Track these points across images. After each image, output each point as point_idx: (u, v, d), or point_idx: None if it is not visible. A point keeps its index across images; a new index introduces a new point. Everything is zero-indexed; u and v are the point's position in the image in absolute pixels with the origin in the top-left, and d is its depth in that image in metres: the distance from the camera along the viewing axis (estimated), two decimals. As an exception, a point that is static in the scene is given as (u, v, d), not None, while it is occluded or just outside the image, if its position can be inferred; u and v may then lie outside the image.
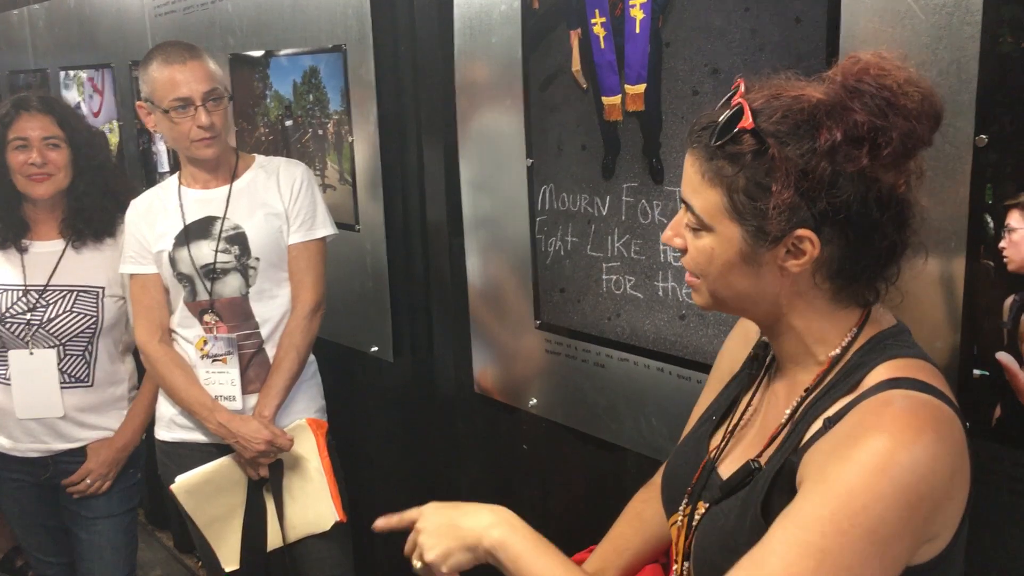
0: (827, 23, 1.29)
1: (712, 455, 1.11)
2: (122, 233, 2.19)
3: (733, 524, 1.00)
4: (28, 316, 2.17)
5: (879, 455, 0.85)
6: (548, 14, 1.75)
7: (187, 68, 1.95)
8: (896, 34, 1.21)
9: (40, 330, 2.17)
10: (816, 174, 0.91)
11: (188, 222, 2.04)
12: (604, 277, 1.74)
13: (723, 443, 1.11)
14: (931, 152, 1.18)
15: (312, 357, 2.16)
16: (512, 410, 2.07)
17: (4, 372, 2.20)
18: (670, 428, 1.67)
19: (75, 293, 2.20)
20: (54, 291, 2.19)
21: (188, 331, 2.06)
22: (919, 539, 0.88)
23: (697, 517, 1.07)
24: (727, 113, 0.95)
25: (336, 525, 2.07)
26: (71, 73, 3.64)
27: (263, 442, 1.97)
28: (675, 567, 1.13)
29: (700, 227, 0.99)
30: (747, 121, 0.93)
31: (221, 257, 2.01)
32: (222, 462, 2.05)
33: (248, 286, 2.03)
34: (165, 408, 2.14)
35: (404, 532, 2.56)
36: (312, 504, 2.07)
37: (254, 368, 2.06)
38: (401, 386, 2.42)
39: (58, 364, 2.19)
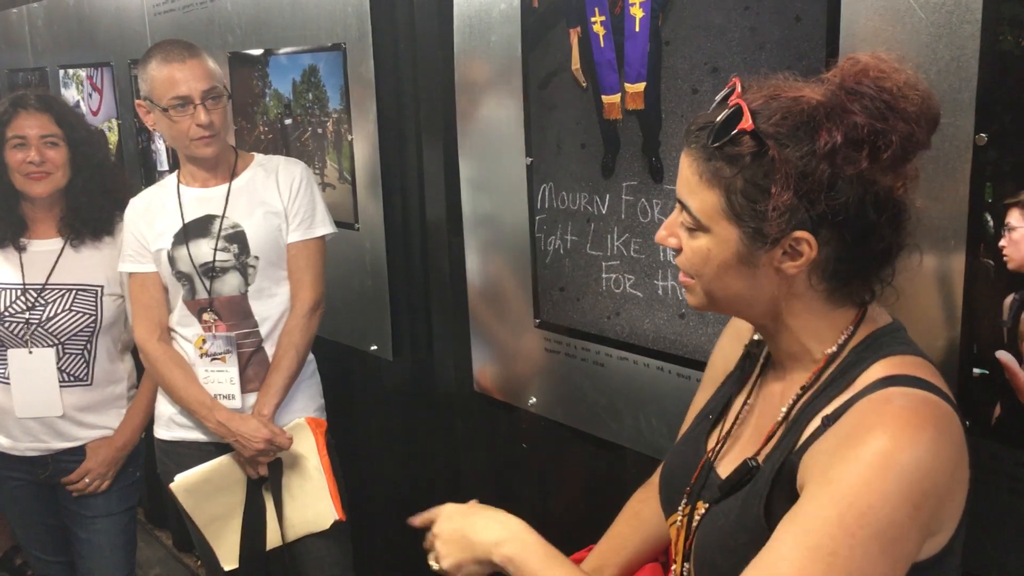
0: (827, 22, 1.29)
1: (710, 455, 1.11)
2: (120, 232, 2.18)
3: (733, 524, 1.00)
4: (27, 315, 2.17)
5: (881, 454, 0.85)
6: (548, 12, 1.75)
7: (186, 67, 1.94)
8: (896, 32, 1.21)
9: (39, 329, 2.17)
10: (815, 176, 0.90)
11: (187, 220, 2.03)
12: (604, 276, 1.74)
13: (720, 442, 1.11)
14: (931, 151, 1.18)
15: (311, 356, 2.16)
16: (511, 409, 2.07)
17: (3, 371, 2.20)
18: (670, 427, 1.67)
19: (74, 292, 2.19)
20: (53, 290, 2.19)
21: (187, 330, 2.06)
22: (924, 536, 0.89)
23: (697, 517, 1.07)
24: (725, 113, 0.94)
25: (335, 524, 2.07)
26: (70, 71, 3.64)
27: (262, 441, 1.96)
28: (674, 567, 1.13)
29: (696, 228, 0.99)
30: (747, 122, 0.92)
31: (220, 256, 2.01)
32: (221, 461, 2.05)
33: (247, 285, 2.03)
34: (164, 407, 2.14)
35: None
36: (311, 503, 2.07)
37: (253, 367, 2.06)
38: (400, 385, 2.42)
39: (57, 363, 2.19)
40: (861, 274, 0.98)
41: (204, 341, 2.04)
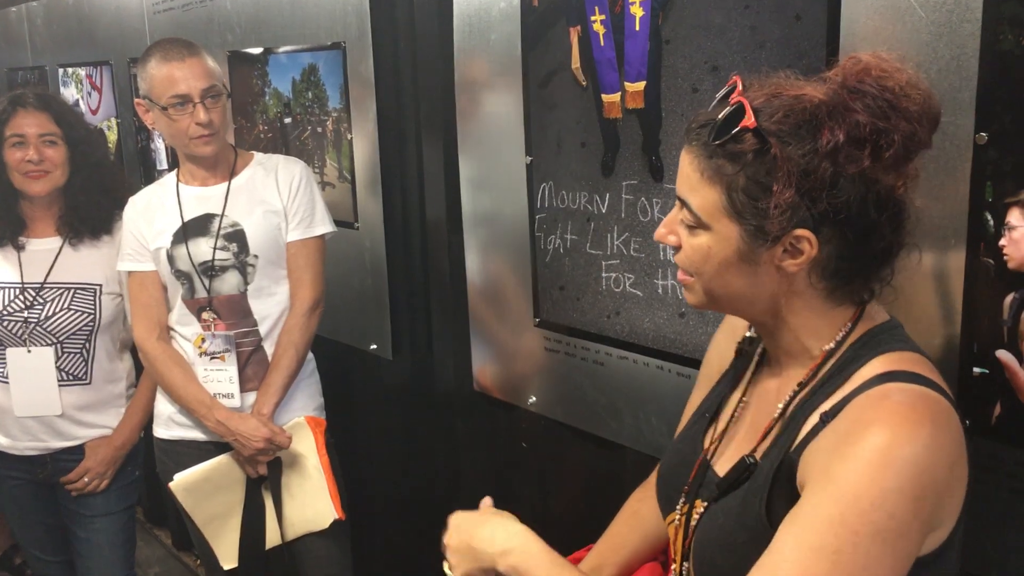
0: (827, 20, 1.29)
1: (707, 453, 1.11)
2: (119, 230, 2.18)
3: (734, 523, 1.00)
4: (25, 314, 2.17)
5: (880, 450, 0.86)
6: (548, 11, 1.74)
7: (185, 65, 1.94)
8: (896, 31, 1.21)
9: (37, 328, 2.17)
10: (817, 174, 0.90)
11: (186, 219, 2.03)
12: (603, 275, 1.74)
13: (716, 440, 1.11)
14: (931, 150, 1.18)
15: (311, 355, 2.16)
16: (511, 408, 2.07)
17: (2, 370, 2.20)
18: (669, 426, 1.66)
19: (72, 291, 2.19)
20: (51, 289, 2.18)
21: (186, 328, 2.06)
22: (926, 531, 0.89)
23: (695, 516, 1.07)
24: (727, 111, 0.94)
25: (335, 523, 2.07)
26: (69, 70, 3.64)
27: (261, 440, 1.96)
28: (674, 566, 1.13)
29: (697, 225, 0.99)
30: (749, 120, 0.92)
31: (219, 254, 2.01)
32: (221, 460, 2.05)
33: (246, 283, 2.03)
34: (163, 406, 2.13)
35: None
36: (311, 502, 2.07)
37: (252, 366, 2.05)
38: (400, 384, 2.42)
39: (56, 362, 2.18)
40: (861, 273, 0.98)
41: (203, 340, 2.04)
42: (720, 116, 0.95)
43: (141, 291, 2.08)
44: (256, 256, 2.02)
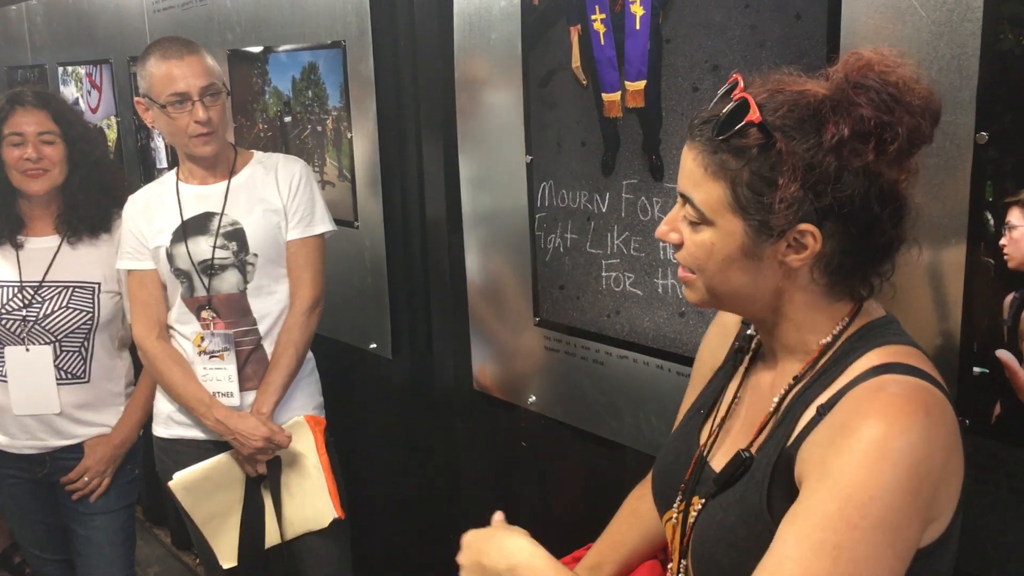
0: (827, 20, 1.29)
1: (703, 448, 1.12)
2: (118, 229, 2.18)
3: (734, 519, 1.00)
4: (24, 312, 2.16)
5: (876, 442, 0.86)
6: (548, 10, 1.74)
7: (184, 63, 1.94)
8: (897, 30, 1.21)
9: (36, 326, 2.17)
10: (822, 169, 0.91)
11: (186, 218, 2.03)
12: (603, 274, 1.74)
13: (712, 436, 1.12)
14: (932, 149, 1.18)
15: (310, 354, 2.15)
16: (511, 407, 2.07)
17: (0, 369, 2.20)
18: (669, 425, 1.66)
19: (71, 289, 2.19)
20: (50, 287, 2.18)
21: (185, 327, 2.06)
22: (924, 522, 0.89)
23: (693, 513, 1.07)
24: (731, 106, 0.94)
25: (334, 522, 2.06)
26: (69, 69, 3.63)
27: (261, 439, 1.96)
28: (671, 565, 1.13)
29: (700, 221, 0.99)
30: (754, 114, 0.92)
31: (219, 253, 2.01)
32: (220, 459, 2.05)
33: (246, 282, 2.03)
34: (163, 405, 2.13)
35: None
36: (310, 501, 2.07)
37: (252, 365, 2.05)
38: (400, 383, 2.42)
39: (54, 360, 2.18)
40: (862, 268, 0.98)
41: (202, 339, 2.03)
42: (724, 111, 0.95)
43: (140, 289, 2.08)
44: (256, 255, 2.02)
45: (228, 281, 2.02)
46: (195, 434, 2.08)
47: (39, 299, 2.17)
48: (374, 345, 2.41)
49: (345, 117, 2.32)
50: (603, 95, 1.66)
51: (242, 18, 2.61)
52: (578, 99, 1.71)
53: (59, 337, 2.18)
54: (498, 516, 1.17)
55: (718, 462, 1.07)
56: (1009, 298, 1.16)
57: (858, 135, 0.90)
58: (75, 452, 2.25)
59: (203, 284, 2.02)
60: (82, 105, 3.54)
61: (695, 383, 1.25)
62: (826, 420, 0.93)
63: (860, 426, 0.87)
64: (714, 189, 0.96)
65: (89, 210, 2.21)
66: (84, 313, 2.19)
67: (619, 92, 1.63)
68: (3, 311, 2.16)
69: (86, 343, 2.21)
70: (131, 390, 2.34)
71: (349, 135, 2.32)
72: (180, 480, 2.04)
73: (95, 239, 2.23)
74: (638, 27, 1.57)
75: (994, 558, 1.22)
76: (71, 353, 2.21)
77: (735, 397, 1.12)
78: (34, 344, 2.17)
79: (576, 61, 1.70)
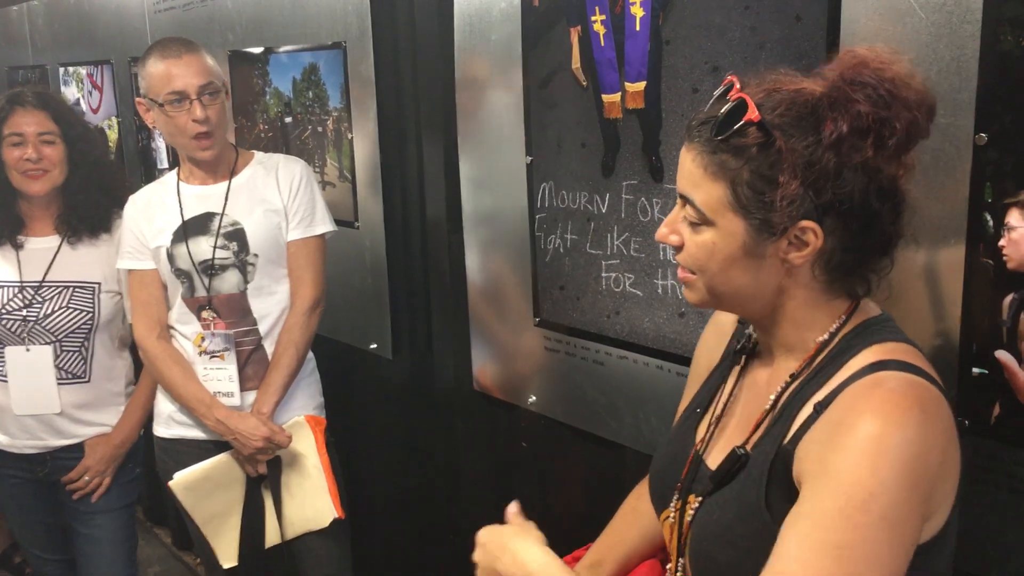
0: (827, 21, 1.29)
1: (699, 446, 1.12)
2: (118, 229, 2.18)
3: (732, 517, 1.00)
4: (24, 312, 2.17)
5: (873, 439, 0.86)
6: (548, 11, 1.75)
7: (182, 62, 1.94)
8: (896, 32, 1.21)
9: (36, 326, 2.17)
10: (821, 165, 0.92)
11: (187, 218, 2.03)
12: (603, 275, 1.74)
13: (708, 435, 1.12)
14: (931, 150, 1.19)
15: (311, 354, 2.16)
16: (511, 407, 2.07)
17: (1, 369, 2.20)
18: (669, 426, 1.67)
19: (71, 289, 2.19)
20: (50, 287, 2.18)
21: (186, 327, 2.06)
22: (923, 517, 0.90)
23: (690, 512, 1.07)
24: (729, 106, 0.95)
25: (335, 522, 2.07)
26: (70, 69, 3.64)
27: (261, 439, 1.96)
28: (669, 564, 1.13)
29: (701, 222, 0.99)
30: (753, 114, 0.93)
31: (219, 253, 2.01)
32: (220, 459, 2.05)
33: (246, 282, 2.03)
34: (164, 405, 2.13)
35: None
36: (310, 501, 2.07)
37: (253, 365, 2.06)
38: (400, 383, 2.42)
39: (55, 360, 2.18)
40: (862, 264, 0.99)
41: (203, 339, 2.04)
42: (722, 111, 0.95)
43: (141, 289, 2.08)
44: (256, 255, 2.02)
45: (228, 281, 2.03)
46: (196, 434, 2.08)
47: (39, 299, 2.18)
48: (374, 345, 2.41)
49: (346, 118, 2.32)
50: (603, 96, 1.66)
51: (243, 19, 2.61)
52: (578, 100, 1.72)
53: (59, 337, 2.18)
54: (513, 508, 1.18)
55: (714, 460, 1.08)
56: (1008, 299, 1.16)
57: (856, 131, 0.91)
58: (76, 452, 2.26)
59: (203, 284, 2.02)
60: (83, 106, 3.55)
61: (692, 383, 1.26)
62: (823, 417, 0.93)
63: (857, 423, 0.88)
64: (714, 189, 0.96)
65: (89, 210, 2.21)
66: (84, 313, 2.20)
67: (619, 93, 1.63)
68: (3, 311, 2.16)
69: (86, 343, 2.22)
70: (131, 390, 2.34)
71: (350, 136, 2.33)
72: (180, 480, 2.04)
73: (95, 239, 2.23)
74: (638, 28, 1.57)
75: (994, 558, 1.22)
76: (71, 353, 2.21)
77: (731, 396, 1.13)
78: (34, 344, 2.18)
79: (576, 62, 1.70)
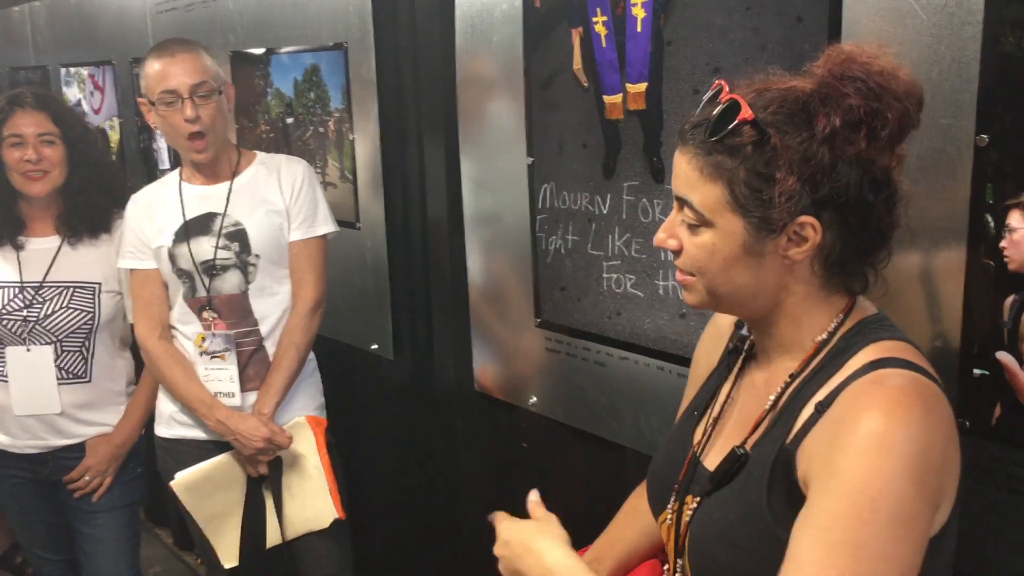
0: (828, 22, 1.29)
1: (696, 448, 1.12)
2: (118, 228, 2.19)
3: (733, 517, 1.00)
4: (25, 313, 2.17)
5: (877, 436, 0.87)
6: (549, 12, 1.75)
7: (175, 61, 1.94)
8: (898, 33, 1.21)
9: (37, 327, 2.17)
10: (817, 160, 0.93)
11: (188, 218, 2.03)
12: (604, 276, 1.74)
13: (706, 436, 1.12)
14: (932, 152, 1.19)
15: (312, 354, 2.16)
16: (512, 408, 2.07)
17: (1, 369, 2.20)
18: (669, 427, 1.67)
19: (71, 289, 2.19)
20: (50, 288, 2.19)
21: (187, 327, 2.06)
22: (932, 511, 0.90)
23: (688, 513, 1.07)
24: (721, 107, 0.96)
25: (335, 522, 2.07)
26: (72, 70, 3.64)
27: (261, 440, 1.97)
28: (667, 566, 1.13)
29: (700, 223, 0.99)
30: (747, 112, 0.94)
31: (221, 254, 2.01)
32: (221, 459, 2.05)
33: (248, 283, 2.03)
34: (165, 405, 2.14)
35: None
36: (311, 501, 2.07)
37: (254, 366, 2.06)
38: (401, 384, 2.42)
39: (55, 360, 2.19)
40: (859, 257, 1.00)
41: (203, 339, 2.04)
42: (715, 112, 0.96)
43: (143, 289, 2.08)
44: (258, 256, 2.02)
45: (230, 282, 2.03)
46: (197, 434, 2.09)
47: (40, 299, 2.18)
48: (375, 346, 2.41)
49: (347, 118, 2.32)
50: (604, 97, 1.66)
51: (244, 20, 2.61)
52: (579, 101, 1.72)
53: (60, 337, 2.19)
54: (534, 497, 1.17)
55: (711, 461, 1.08)
56: (1009, 300, 1.16)
57: (849, 124, 0.92)
58: (77, 451, 2.26)
59: (204, 284, 2.02)
60: (85, 106, 3.55)
61: (691, 386, 1.26)
62: (825, 417, 0.93)
63: (861, 420, 0.88)
64: (712, 190, 0.97)
65: (89, 211, 2.22)
66: (85, 313, 2.20)
67: (620, 94, 1.63)
68: (4, 312, 2.16)
69: (87, 343, 2.22)
70: (132, 389, 2.34)
71: (351, 136, 2.33)
72: (182, 480, 2.04)
73: (95, 239, 2.23)
74: (639, 29, 1.57)
75: (994, 558, 1.22)
76: (72, 353, 2.21)
77: (728, 398, 1.13)
78: (35, 344, 2.18)
79: (577, 63, 1.70)
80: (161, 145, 3.17)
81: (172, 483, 2.05)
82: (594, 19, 1.65)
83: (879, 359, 0.95)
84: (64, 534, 2.37)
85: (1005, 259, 1.15)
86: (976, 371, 1.20)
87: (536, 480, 2.08)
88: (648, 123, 1.60)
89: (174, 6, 2.91)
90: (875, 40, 1.23)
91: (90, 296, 2.20)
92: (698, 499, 1.06)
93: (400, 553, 2.58)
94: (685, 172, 0.99)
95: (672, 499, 1.12)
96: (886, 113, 0.92)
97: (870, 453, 0.86)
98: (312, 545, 2.12)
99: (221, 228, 2.02)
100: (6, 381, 2.20)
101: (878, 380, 0.92)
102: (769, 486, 0.97)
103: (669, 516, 1.12)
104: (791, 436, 0.97)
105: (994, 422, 1.19)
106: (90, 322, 2.20)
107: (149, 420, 2.27)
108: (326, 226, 2.09)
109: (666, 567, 1.14)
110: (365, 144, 2.29)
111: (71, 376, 2.22)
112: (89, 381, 2.24)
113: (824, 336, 1.01)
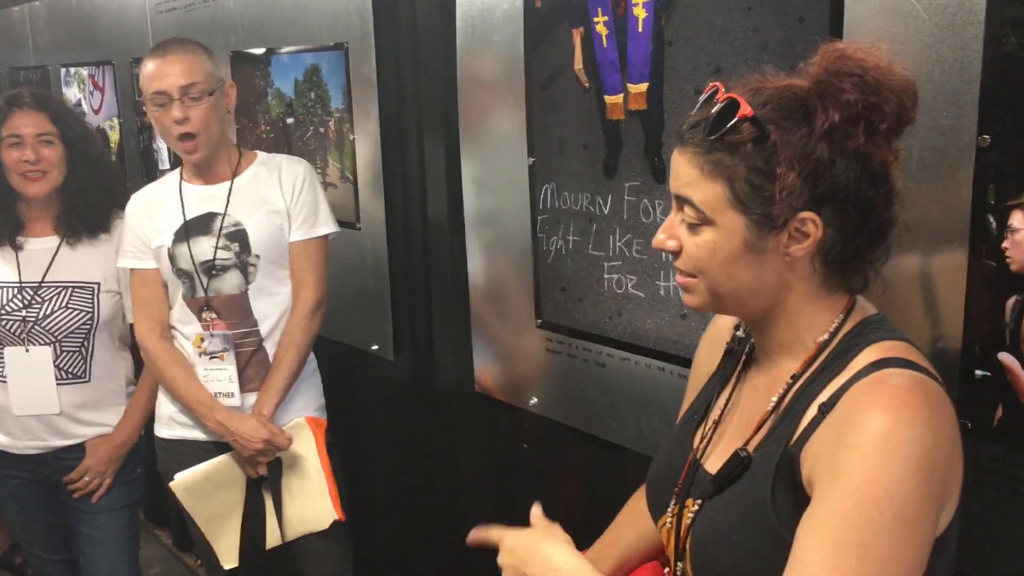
0: (830, 22, 1.29)
1: (696, 452, 1.12)
2: (116, 228, 2.18)
3: (736, 519, 1.00)
4: (24, 313, 2.16)
5: (883, 436, 0.87)
6: (550, 12, 1.75)
7: (166, 61, 1.94)
8: (899, 33, 1.21)
9: (36, 327, 2.17)
10: (816, 155, 0.93)
11: (188, 218, 2.03)
12: (605, 276, 1.74)
13: (705, 439, 1.12)
14: (934, 152, 1.19)
15: (312, 355, 2.16)
16: (513, 409, 2.07)
17: (0, 370, 2.20)
18: (670, 428, 1.67)
19: (70, 289, 2.19)
20: (49, 288, 2.18)
21: (187, 327, 2.06)
22: (937, 511, 0.90)
23: (689, 515, 1.07)
24: (720, 106, 0.96)
25: (335, 523, 2.06)
26: (72, 70, 3.64)
27: (261, 441, 1.96)
28: (667, 570, 1.13)
29: (700, 221, 0.99)
30: (746, 109, 0.94)
31: (220, 254, 2.01)
32: (221, 460, 2.05)
33: (248, 283, 2.03)
34: (165, 406, 2.13)
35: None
36: (311, 503, 2.07)
37: (254, 367, 2.05)
38: (401, 384, 2.42)
39: (54, 361, 2.18)
40: (859, 254, 1.00)
41: (202, 339, 2.04)
42: (714, 111, 0.96)
43: (143, 288, 2.08)
44: (258, 256, 2.02)
45: (230, 282, 2.03)
46: (197, 435, 2.08)
47: (39, 300, 2.17)
48: (376, 346, 2.41)
49: (347, 119, 2.32)
50: (605, 97, 1.66)
51: (245, 20, 2.61)
52: (580, 101, 1.72)
53: (59, 337, 2.18)
54: (536, 510, 1.17)
55: (712, 464, 1.08)
56: (1011, 301, 1.16)
57: (848, 119, 0.93)
58: (77, 452, 2.25)
59: (204, 285, 2.02)
60: (85, 107, 3.55)
61: (691, 388, 1.26)
62: (829, 418, 0.93)
63: (866, 420, 0.88)
64: (712, 188, 0.97)
65: (88, 211, 2.21)
66: (84, 313, 2.20)
67: (621, 94, 1.63)
68: (3, 312, 2.16)
69: (86, 343, 2.22)
70: (132, 389, 2.34)
71: (351, 137, 2.33)
72: (181, 481, 2.04)
73: (94, 239, 2.23)
74: (640, 29, 1.57)
75: (995, 560, 1.22)
76: (71, 353, 2.21)
77: (728, 401, 1.13)
78: (34, 345, 2.17)
79: (578, 63, 1.70)
80: (161, 145, 3.17)
81: (172, 484, 2.05)
82: (595, 19, 1.65)
83: (881, 359, 0.95)
84: (64, 535, 2.37)
85: (1007, 260, 1.15)
86: (978, 372, 1.20)
87: (536, 481, 2.09)
88: (649, 123, 1.59)
89: (174, 6, 2.91)
90: (876, 40, 1.23)
91: (89, 296, 2.20)
92: (699, 502, 1.06)
93: (400, 553, 2.58)
94: (685, 171, 0.99)
95: (672, 502, 1.11)
96: (884, 107, 0.93)
97: (875, 453, 0.86)
98: (312, 546, 2.11)
99: (221, 228, 2.02)
100: (5, 382, 2.20)
101: (882, 380, 0.92)
102: (773, 487, 0.96)
103: (669, 519, 1.12)
104: (795, 437, 0.97)
105: (995, 423, 1.19)
106: (89, 322, 2.20)
107: (149, 421, 2.26)
108: (327, 226, 2.09)
109: (667, 570, 1.14)
110: (366, 144, 2.29)
111: (70, 376, 2.22)
112: (88, 381, 2.24)
113: (825, 336, 1.01)
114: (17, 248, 2.21)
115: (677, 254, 1.03)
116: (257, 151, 2.15)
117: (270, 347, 2.06)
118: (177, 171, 2.12)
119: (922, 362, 0.96)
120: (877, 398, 0.90)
